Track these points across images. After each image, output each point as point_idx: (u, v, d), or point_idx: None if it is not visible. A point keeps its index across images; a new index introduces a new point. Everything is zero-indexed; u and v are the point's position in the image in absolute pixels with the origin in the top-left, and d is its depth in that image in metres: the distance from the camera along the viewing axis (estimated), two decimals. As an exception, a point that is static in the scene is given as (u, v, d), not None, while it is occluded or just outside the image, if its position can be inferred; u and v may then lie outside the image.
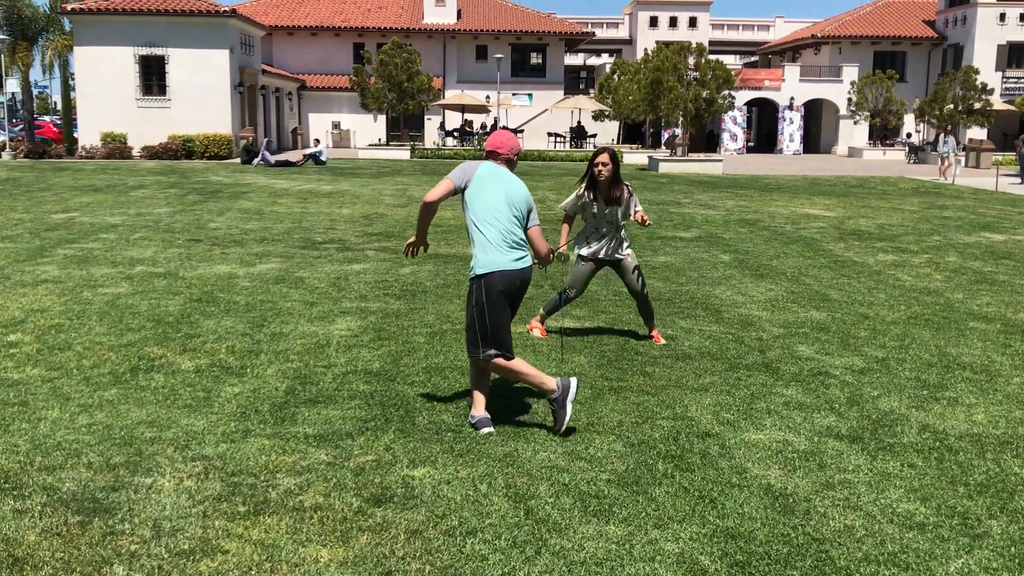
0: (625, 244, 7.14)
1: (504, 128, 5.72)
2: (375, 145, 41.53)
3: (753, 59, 65.46)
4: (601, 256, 7.09)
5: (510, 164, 5.35)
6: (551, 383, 5.09)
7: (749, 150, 52.14)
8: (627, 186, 6.92)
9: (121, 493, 4.16)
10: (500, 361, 5.12)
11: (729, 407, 5.62)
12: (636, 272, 7.16)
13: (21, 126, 44.23)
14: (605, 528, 3.92)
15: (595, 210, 6.93)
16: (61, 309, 8.00)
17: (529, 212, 5.29)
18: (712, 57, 35.68)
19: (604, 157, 6.72)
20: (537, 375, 5.14)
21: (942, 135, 31.90)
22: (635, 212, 6.91)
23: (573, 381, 5.07)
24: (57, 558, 3.55)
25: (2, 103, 39.43)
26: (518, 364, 5.16)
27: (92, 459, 4.56)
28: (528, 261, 5.23)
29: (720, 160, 33.82)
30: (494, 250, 5.08)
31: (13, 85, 41.51)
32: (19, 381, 5.85)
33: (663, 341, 7.19)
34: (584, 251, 7.10)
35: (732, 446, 4.94)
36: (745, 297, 9.17)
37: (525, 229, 5.28)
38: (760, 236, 14.15)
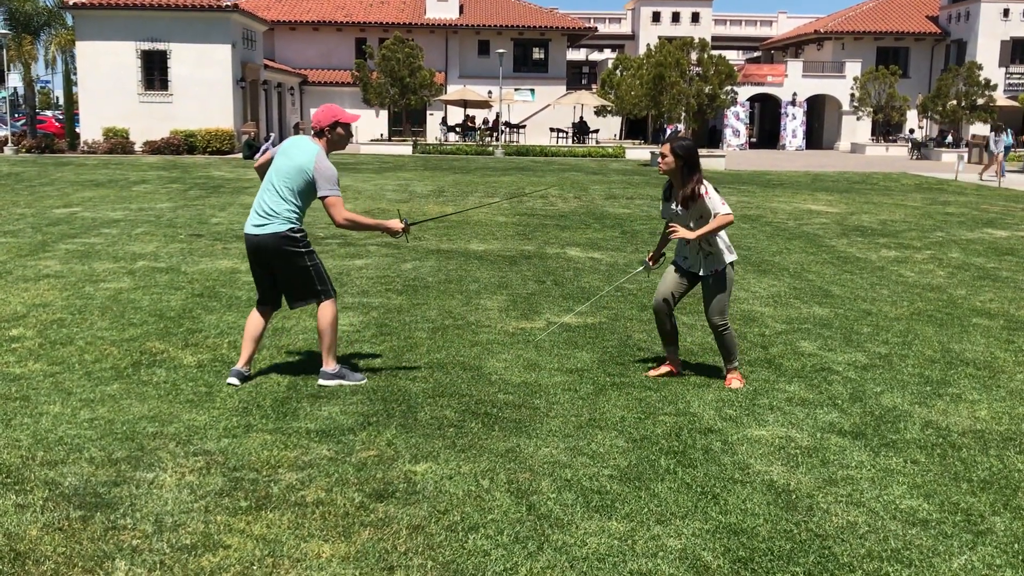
0: (718, 260, 5.86)
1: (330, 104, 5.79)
2: (377, 140, 41.51)
3: (756, 54, 65.36)
4: (683, 267, 6.00)
5: (320, 135, 5.62)
6: (241, 361, 5.76)
7: (751, 146, 52.08)
8: (704, 185, 5.76)
9: (123, 488, 4.16)
10: None
11: (732, 403, 5.61)
12: (713, 296, 5.88)
13: (23, 121, 44.22)
14: (607, 524, 3.91)
15: (673, 211, 5.91)
16: (63, 304, 8.00)
17: (309, 182, 5.49)
18: (715, 52, 35.63)
19: (663, 148, 5.75)
20: (245, 344, 5.75)
21: (992, 131, 29.41)
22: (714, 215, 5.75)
23: (232, 379, 5.69)
24: (59, 553, 3.55)
25: (4, 98, 39.40)
26: (248, 322, 5.80)
27: (94, 454, 4.55)
28: (270, 228, 5.52)
29: (723, 156, 33.78)
30: (249, 216, 5.68)
31: (15, 80, 41.52)
32: (21, 376, 5.84)
33: (736, 384, 5.93)
34: (677, 258, 6.09)
35: (735, 442, 4.93)
36: (748, 293, 9.16)
37: (323, 199, 5.51)
38: (763, 232, 14.13)
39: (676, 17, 56.24)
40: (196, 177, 23.17)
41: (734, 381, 5.96)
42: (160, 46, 34.69)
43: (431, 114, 47.44)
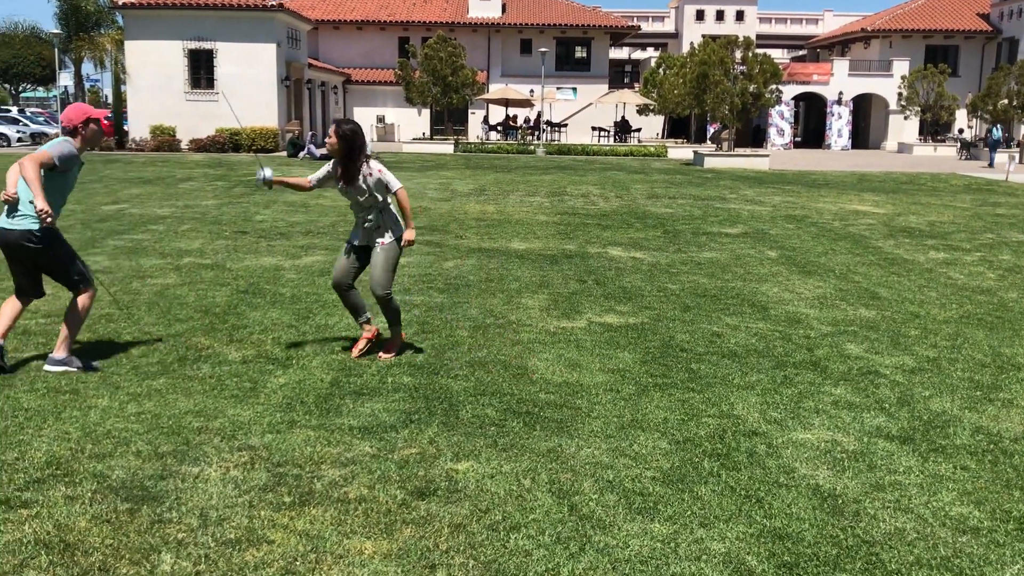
0: (383, 233, 6.17)
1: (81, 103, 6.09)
2: (419, 139, 41.69)
3: (801, 53, 64.60)
4: (356, 243, 6.25)
5: (74, 134, 5.80)
6: None
7: (796, 145, 51.50)
8: (369, 164, 6.01)
9: (169, 482, 4.21)
10: None
11: (776, 405, 5.54)
12: (377, 268, 6.14)
13: (73, 119, 45.03)
14: (650, 526, 3.88)
15: (341, 188, 6.15)
16: (111, 299, 8.12)
17: (47, 163, 5.61)
18: (759, 51, 35.27)
19: (331, 129, 6.02)
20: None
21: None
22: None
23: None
24: (107, 544, 3.60)
25: (55, 97, 40.19)
26: (4, 306, 5.99)
27: (141, 447, 4.61)
28: (17, 224, 5.67)
29: (767, 155, 33.44)
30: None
31: (66, 79, 42.31)
32: (70, 370, 5.93)
33: (385, 357, 6.26)
34: (352, 237, 6.32)
35: (779, 445, 4.87)
36: (792, 294, 9.05)
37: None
38: (807, 232, 13.96)
39: (720, 15, 55.80)
40: (241, 175, 23.43)
41: (393, 351, 6.34)
42: (207, 45, 35.17)
43: (473, 113, 47.56)
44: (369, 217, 6.16)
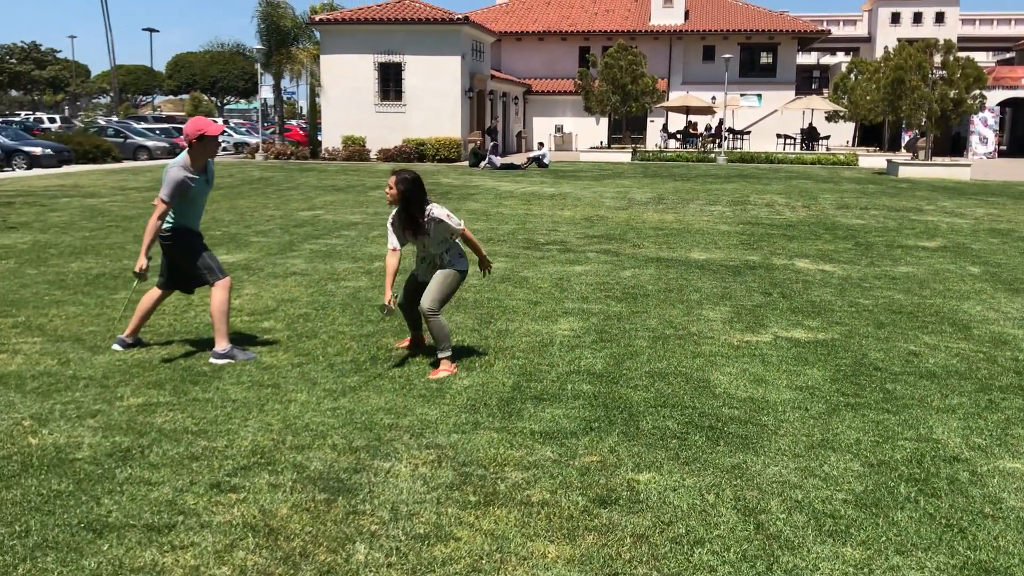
0: (446, 268, 6.27)
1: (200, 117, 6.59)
2: (596, 148, 41.76)
3: (1009, 55, 60.28)
4: (420, 280, 6.43)
5: (192, 148, 6.32)
6: (128, 330, 6.75)
7: (1001, 154, 48.03)
8: (431, 212, 6.09)
9: (362, 475, 4.40)
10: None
11: (980, 431, 5.19)
12: (435, 283, 6.21)
13: (272, 130, 48.01)
14: (842, 550, 3.72)
15: (406, 239, 6.25)
16: (308, 300, 8.59)
17: (163, 212, 6.27)
18: (961, 54, 33.18)
19: (390, 180, 6.10)
20: (135, 317, 6.69)
21: None
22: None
23: (115, 345, 6.75)
24: (306, 532, 3.81)
25: (256, 108, 42.84)
26: (144, 298, 6.74)
27: (336, 441, 4.85)
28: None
29: (968, 165, 31.39)
30: None
31: (266, 91, 45.09)
32: (272, 365, 6.33)
33: (443, 374, 6.06)
34: (416, 273, 6.50)
35: (984, 473, 4.56)
36: (998, 313, 8.45)
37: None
38: (1015, 248, 13.00)
39: (918, 18, 52.95)
40: (426, 184, 24.19)
41: (441, 372, 6.11)
42: (395, 58, 36.58)
43: (652, 121, 47.18)
44: (436, 257, 6.27)
